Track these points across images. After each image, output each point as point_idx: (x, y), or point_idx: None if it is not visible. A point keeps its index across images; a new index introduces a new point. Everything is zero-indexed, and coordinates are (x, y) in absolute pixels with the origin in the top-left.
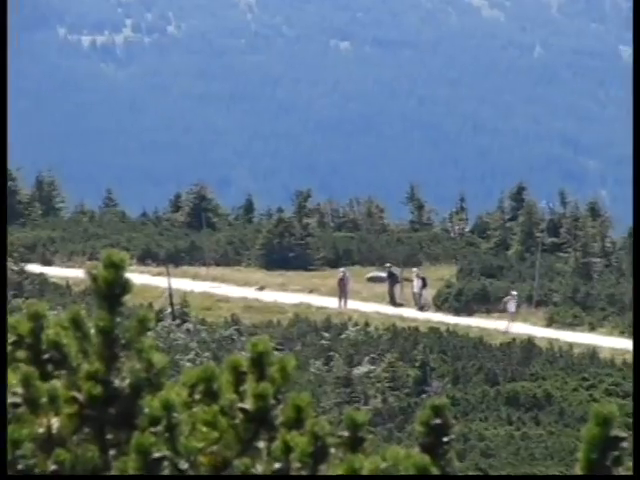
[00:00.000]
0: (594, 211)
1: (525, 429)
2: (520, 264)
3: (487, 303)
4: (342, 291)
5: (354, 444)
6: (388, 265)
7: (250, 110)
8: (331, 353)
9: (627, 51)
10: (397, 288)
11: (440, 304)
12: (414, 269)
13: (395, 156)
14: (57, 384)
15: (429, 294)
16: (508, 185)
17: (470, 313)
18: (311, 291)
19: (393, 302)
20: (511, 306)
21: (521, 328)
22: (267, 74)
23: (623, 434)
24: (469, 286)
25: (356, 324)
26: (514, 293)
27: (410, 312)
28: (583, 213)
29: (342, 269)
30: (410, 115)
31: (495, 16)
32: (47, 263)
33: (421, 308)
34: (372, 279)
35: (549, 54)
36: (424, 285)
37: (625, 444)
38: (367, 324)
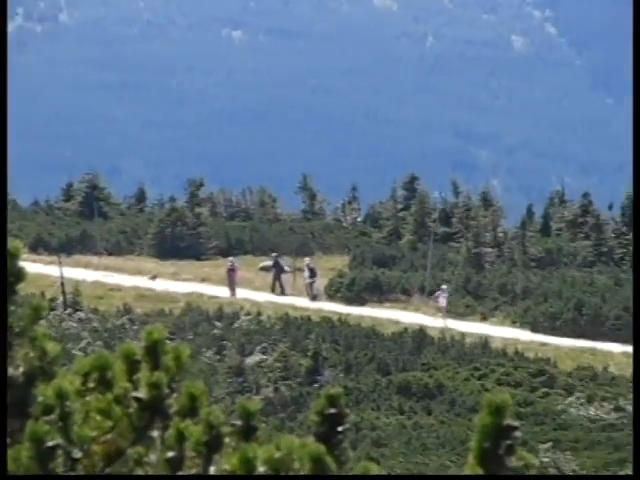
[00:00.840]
0: (486, 201)
1: (417, 418)
2: (412, 254)
3: (379, 293)
4: (231, 281)
5: (247, 433)
6: (274, 254)
7: (143, 99)
8: (223, 342)
9: (518, 41)
10: (287, 278)
11: (332, 294)
12: (306, 259)
13: (288, 146)
14: None
15: (320, 284)
16: (401, 175)
17: (362, 303)
18: (203, 280)
19: (281, 291)
20: (442, 300)
21: (413, 317)
22: (160, 63)
23: (515, 423)
24: (361, 276)
25: (248, 313)
26: (444, 287)
27: (302, 302)
28: (475, 203)
29: (230, 258)
30: (303, 105)
31: (387, 5)
32: None
33: (313, 298)
34: (264, 268)
35: (441, 44)
36: (312, 275)
37: (517, 433)
38: (259, 313)
